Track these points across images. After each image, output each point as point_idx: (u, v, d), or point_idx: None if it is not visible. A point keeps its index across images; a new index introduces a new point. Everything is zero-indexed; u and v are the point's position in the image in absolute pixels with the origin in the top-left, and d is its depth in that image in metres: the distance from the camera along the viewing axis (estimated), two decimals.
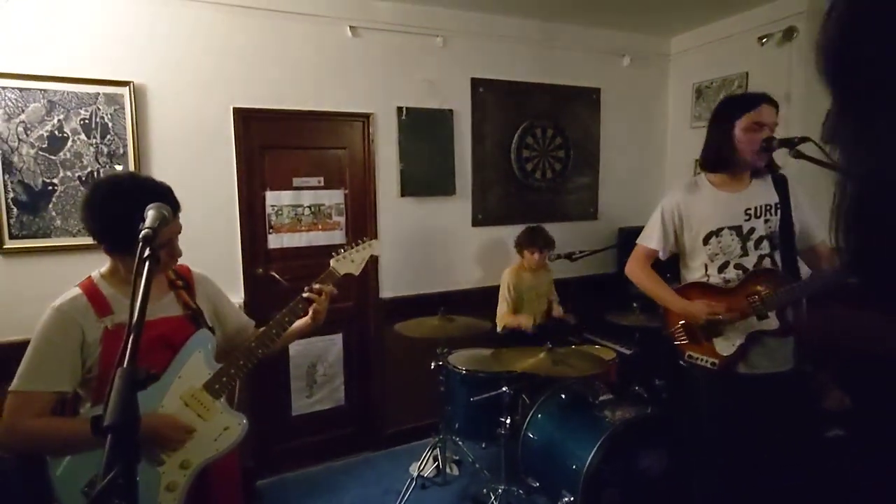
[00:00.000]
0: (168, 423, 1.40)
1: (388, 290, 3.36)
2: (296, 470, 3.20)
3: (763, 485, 2.04)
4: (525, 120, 3.65)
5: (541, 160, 3.73)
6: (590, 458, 2.22)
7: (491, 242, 3.64)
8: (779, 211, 1.92)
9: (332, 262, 1.82)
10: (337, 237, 3.24)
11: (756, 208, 1.95)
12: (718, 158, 1.98)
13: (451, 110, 3.42)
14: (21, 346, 1.37)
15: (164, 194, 1.37)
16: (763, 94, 1.91)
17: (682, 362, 2.09)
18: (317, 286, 1.70)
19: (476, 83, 3.48)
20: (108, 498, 0.59)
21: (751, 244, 1.95)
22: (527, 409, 2.63)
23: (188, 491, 1.42)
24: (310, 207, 3.17)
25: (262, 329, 1.66)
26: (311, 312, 1.71)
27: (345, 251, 1.85)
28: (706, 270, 2.03)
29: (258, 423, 2.99)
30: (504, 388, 2.52)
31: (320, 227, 3.20)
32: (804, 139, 1.73)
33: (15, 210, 2.47)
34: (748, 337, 1.93)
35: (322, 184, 3.19)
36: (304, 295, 1.69)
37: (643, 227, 2.21)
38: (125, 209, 1.29)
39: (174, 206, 1.40)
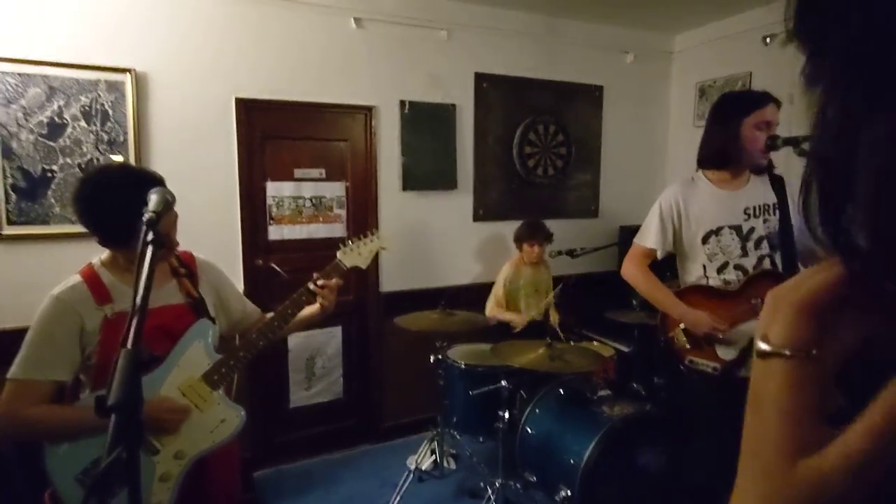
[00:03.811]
0: (162, 405, 1.39)
1: (388, 284, 3.35)
2: (293, 462, 3.20)
3: None
4: (528, 116, 3.64)
5: (543, 156, 3.73)
6: (588, 454, 2.22)
7: (492, 238, 3.63)
8: (777, 211, 1.90)
9: (338, 253, 1.76)
10: (338, 230, 3.23)
11: (755, 208, 1.93)
12: (723, 156, 1.95)
13: (453, 105, 3.41)
14: (20, 334, 1.36)
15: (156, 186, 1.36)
16: (767, 93, 1.90)
17: (681, 367, 2.02)
18: (321, 281, 1.65)
19: (480, 78, 3.47)
20: (110, 478, 0.59)
21: (750, 244, 1.93)
22: (525, 404, 2.63)
23: (185, 481, 1.41)
24: (311, 199, 3.16)
25: (266, 318, 1.65)
26: (318, 304, 1.67)
27: (352, 243, 1.79)
28: (705, 272, 1.99)
29: (256, 415, 3.00)
30: (503, 383, 2.51)
31: (321, 219, 3.19)
32: (808, 138, 1.72)
33: (14, 196, 2.46)
34: (751, 341, 1.89)
35: (323, 176, 3.18)
36: (310, 286, 1.65)
37: None
38: (116, 202, 1.29)
39: None
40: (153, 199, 1.08)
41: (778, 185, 1.91)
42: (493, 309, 3.20)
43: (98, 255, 1.48)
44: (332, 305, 1.69)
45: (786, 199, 1.88)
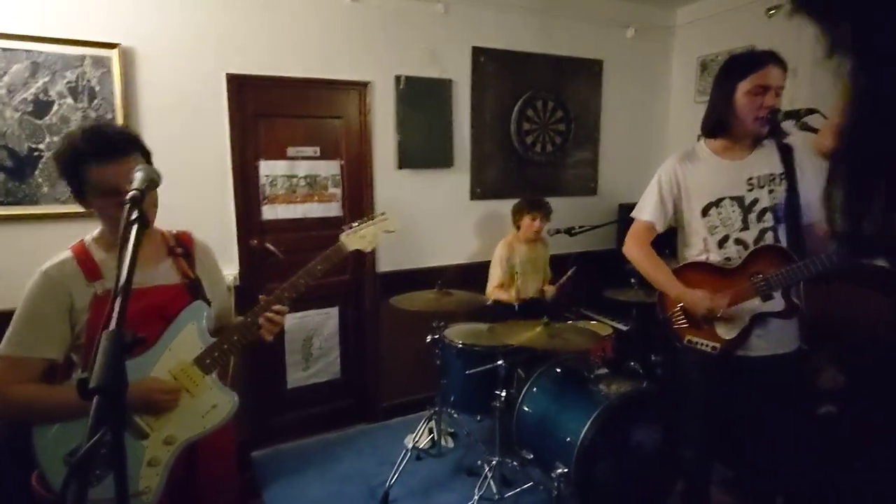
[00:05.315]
0: (155, 386, 1.36)
1: (384, 264, 3.33)
2: (291, 441, 3.21)
3: (755, 465, 2.04)
4: (526, 91, 3.57)
5: (541, 133, 3.67)
6: (584, 431, 2.22)
7: (489, 216, 3.60)
8: (784, 181, 1.82)
9: (341, 236, 1.71)
10: (333, 209, 3.18)
11: (759, 177, 1.84)
12: (718, 123, 1.87)
13: (450, 80, 3.34)
14: (7, 315, 1.33)
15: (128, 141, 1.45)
16: (770, 53, 1.79)
17: (678, 345, 1.99)
18: (270, 313, 1.52)
19: (477, 52, 3.39)
20: (91, 462, 0.57)
21: (752, 216, 1.85)
22: (522, 383, 2.63)
23: (175, 467, 1.38)
24: (305, 178, 3.11)
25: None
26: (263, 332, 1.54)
27: (357, 224, 1.74)
28: (705, 245, 1.93)
29: (253, 396, 3.00)
30: (500, 362, 2.51)
31: (316, 198, 3.15)
32: (811, 111, 1.66)
33: (0, 176, 2.40)
34: (751, 319, 1.84)
35: (318, 154, 3.12)
36: (259, 320, 1.51)
37: None
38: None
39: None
40: (138, 176, 1.04)
41: (786, 153, 1.84)
42: (494, 291, 3.18)
43: (91, 232, 1.44)
44: (273, 336, 1.55)
45: (794, 168, 1.81)
